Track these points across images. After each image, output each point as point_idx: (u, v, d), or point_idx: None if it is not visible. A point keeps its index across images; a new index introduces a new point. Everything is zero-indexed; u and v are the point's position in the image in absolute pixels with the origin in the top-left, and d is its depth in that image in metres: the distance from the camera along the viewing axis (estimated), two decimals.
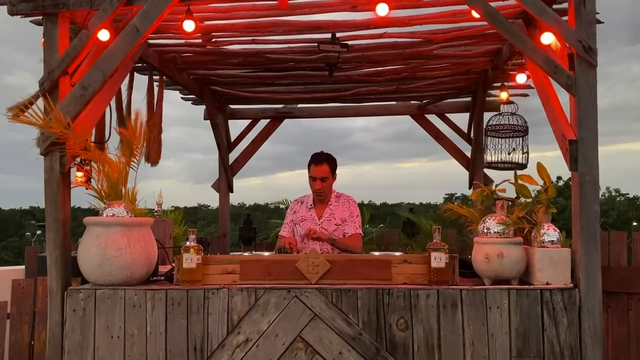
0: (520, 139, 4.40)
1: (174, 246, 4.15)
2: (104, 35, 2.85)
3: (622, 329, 3.97)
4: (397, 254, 2.95)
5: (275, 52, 4.21)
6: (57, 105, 2.73)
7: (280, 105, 5.85)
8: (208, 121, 5.59)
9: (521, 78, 4.05)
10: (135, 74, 4.12)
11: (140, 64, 4.06)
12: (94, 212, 2.84)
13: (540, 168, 2.70)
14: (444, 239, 2.75)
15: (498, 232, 2.68)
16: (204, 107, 5.61)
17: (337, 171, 3.92)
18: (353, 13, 3.44)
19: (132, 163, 2.84)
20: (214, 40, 3.98)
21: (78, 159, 2.91)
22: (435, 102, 5.58)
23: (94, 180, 2.87)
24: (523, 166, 4.46)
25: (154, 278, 2.91)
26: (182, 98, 5.53)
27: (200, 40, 3.99)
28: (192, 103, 5.72)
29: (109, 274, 2.66)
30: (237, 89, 5.28)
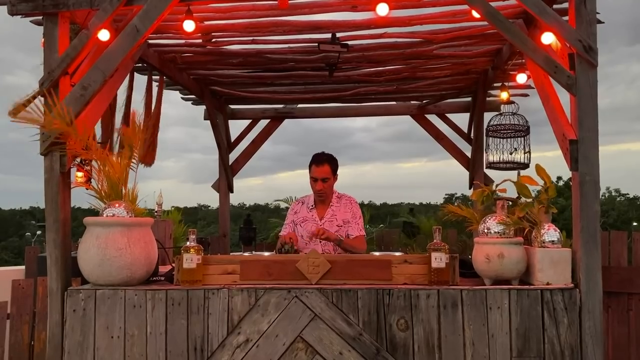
0: (522, 138, 4.40)
1: (174, 246, 4.15)
2: (104, 35, 2.85)
3: (622, 329, 3.97)
4: (398, 254, 2.94)
5: (276, 52, 4.21)
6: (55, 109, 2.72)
7: (281, 106, 5.85)
8: (208, 121, 5.59)
9: (521, 78, 4.06)
10: (135, 74, 4.12)
11: (140, 64, 4.06)
12: (94, 212, 2.84)
13: (539, 169, 2.70)
14: (444, 239, 2.75)
15: (498, 232, 2.68)
16: (204, 107, 5.61)
17: (338, 171, 3.92)
18: (353, 13, 3.44)
19: (131, 163, 2.84)
20: (214, 40, 3.98)
21: (78, 159, 2.91)
22: (435, 102, 5.58)
23: (94, 180, 2.87)
24: (525, 166, 4.47)
25: (154, 278, 2.91)
26: (182, 98, 5.54)
27: (200, 40, 3.99)
28: (192, 103, 5.72)
29: (109, 274, 2.66)
30: (237, 89, 5.28)
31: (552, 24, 2.65)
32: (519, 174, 2.81)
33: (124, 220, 2.70)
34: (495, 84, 4.88)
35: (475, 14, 2.91)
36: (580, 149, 2.61)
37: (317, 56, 4.14)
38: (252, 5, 3.40)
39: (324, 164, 3.75)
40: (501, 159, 4.54)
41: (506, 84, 4.59)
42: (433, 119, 5.76)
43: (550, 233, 2.66)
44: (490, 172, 5.15)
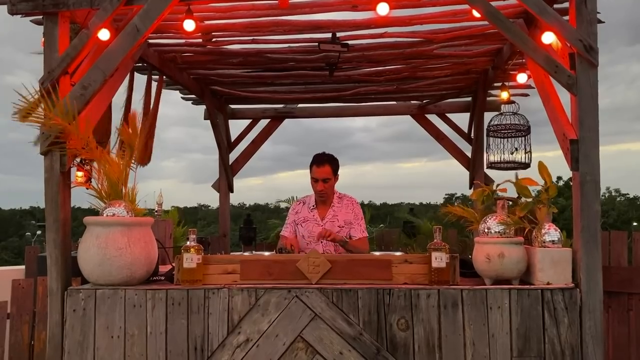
0: (522, 138, 4.40)
1: (174, 246, 4.15)
2: (104, 34, 2.85)
3: (622, 329, 3.97)
4: (398, 254, 2.94)
5: (276, 51, 4.20)
6: (58, 104, 2.72)
7: (281, 105, 5.85)
8: (208, 121, 5.59)
9: (522, 78, 4.05)
10: (135, 74, 4.12)
11: (140, 64, 4.06)
12: (94, 212, 2.84)
13: (542, 167, 2.69)
14: (444, 239, 2.74)
15: (499, 232, 2.68)
16: (204, 107, 5.61)
17: (338, 171, 3.91)
18: (353, 13, 3.44)
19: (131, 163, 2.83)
20: (214, 40, 3.97)
21: (78, 159, 2.90)
22: (435, 102, 5.58)
23: (94, 180, 2.86)
24: (526, 165, 4.47)
25: (154, 278, 2.91)
26: (182, 98, 5.53)
27: (200, 40, 3.98)
28: (192, 103, 5.72)
29: (109, 274, 2.66)
30: (237, 89, 5.28)
31: (552, 24, 2.65)
32: (517, 174, 2.79)
33: (124, 219, 2.70)
34: (495, 84, 4.87)
35: (476, 14, 2.91)
36: (580, 148, 2.61)
37: (318, 56, 4.13)
38: (252, 4, 3.40)
39: (324, 165, 3.75)
40: (502, 159, 4.54)
41: (506, 83, 4.59)
42: (433, 118, 5.76)
43: (551, 233, 2.66)
44: (490, 172, 5.15)
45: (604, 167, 2.63)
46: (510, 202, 2.89)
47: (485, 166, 4.92)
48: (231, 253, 3.95)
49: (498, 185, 2.88)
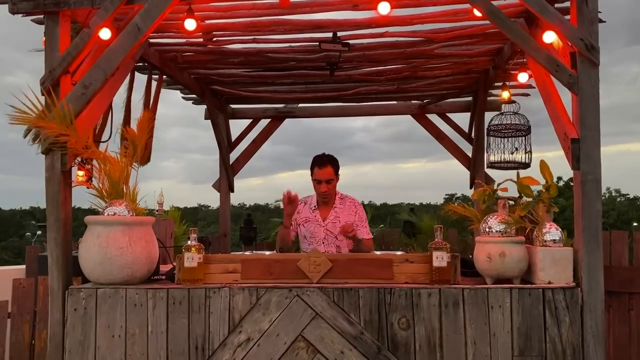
0: (523, 138, 4.40)
1: (175, 245, 4.15)
2: (105, 33, 2.85)
3: (623, 328, 3.97)
4: (399, 253, 2.94)
5: (276, 51, 4.20)
6: (55, 109, 2.72)
7: (281, 105, 5.84)
8: (208, 121, 5.58)
9: (523, 77, 4.05)
10: (136, 73, 4.12)
11: (141, 63, 4.06)
12: (94, 212, 2.84)
13: (543, 166, 2.70)
14: (445, 239, 2.74)
15: (500, 231, 2.67)
16: (204, 106, 5.61)
17: (339, 171, 3.92)
18: (354, 12, 3.44)
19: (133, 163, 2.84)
20: (215, 39, 3.97)
21: (79, 158, 2.90)
22: (436, 102, 5.57)
23: (95, 179, 2.86)
24: (526, 165, 4.47)
25: (155, 277, 2.91)
26: (182, 97, 5.53)
27: (201, 40, 3.98)
28: (192, 103, 5.72)
29: (110, 273, 2.65)
30: (238, 89, 5.27)
31: (553, 23, 2.65)
32: (518, 173, 2.80)
33: (125, 219, 2.70)
34: (496, 84, 4.87)
35: (477, 13, 2.91)
36: (582, 147, 2.61)
37: (318, 55, 4.13)
38: (253, 4, 3.40)
39: (326, 166, 3.76)
40: (502, 159, 4.53)
41: (507, 83, 4.58)
42: (434, 118, 5.75)
43: (552, 232, 2.66)
44: (491, 172, 5.14)
45: (604, 168, 2.63)
46: (512, 202, 2.89)
47: (485, 166, 4.92)
48: (231, 253, 3.95)
49: (499, 184, 2.89)
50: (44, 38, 2.86)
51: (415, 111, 5.73)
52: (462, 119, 5.66)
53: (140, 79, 4.22)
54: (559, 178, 21.88)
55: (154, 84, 4.27)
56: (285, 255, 3.01)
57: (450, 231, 5.45)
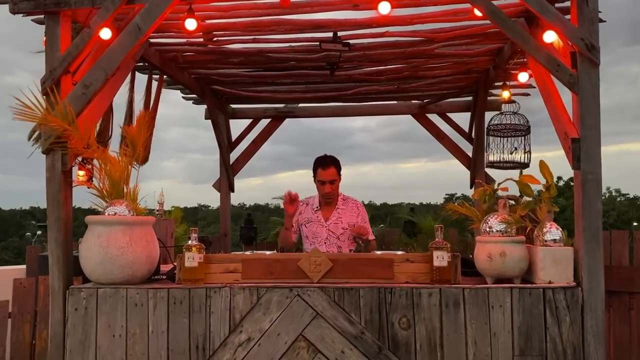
0: (522, 138, 4.40)
1: (175, 245, 4.15)
2: (105, 33, 2.85)
3: (623, 328, 3.97)
4: (399, 253, 2.94)
5: (277, 51, 4.20)
6: (57, 107, 2.72)
7: (281, 105, 5.84)
8: (208, 121, 5.59)
9: (523, 77, 4.05)
10: (137, 73, 4.12)
11: (141, 63, 4.06)
12: (94, 212, 2.84)
13: (543, 165, 2.69)
14: (445, 239, 2.74)
15: (500, 231, 2.67)
16: (204, 106, 5.61)
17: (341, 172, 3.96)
18: (355, 12, 3.44)
19: (133, 162, 2.84)
20: (215, 39, 3.97)
21: (79, 158, 2.90)
22: (436, 102, 5.57)
23: (95, 179, 2.86)
24: (525, 165, 4.47)
25: (156, 277, 2.91)
26: (183, 97, 5.53)
27: (201, 39, 3.98)
28: (193, 102, 5.72)
29: (111, 273, 2.66)
30: (238, 89, 5.27)
31: (554, 22, 2.65)
32: (521, 172, 2.80)
33: (125, 218, 2.70)
34: (496, 83, 4.87)
35: (477, 12, 2.91)
36: (582, 147, 2.61)
37: (319, 55, 4.13)
38: (253, 4, 3.40)
39: (330, 167, 3.80)
40: (501, 159, 4.53)
41: (507, 83, 4.58)
42: (434, 118, 5.75)
43: (553, 231, 2.66)
44: (491, 172, 5.14)
45: (604, 168, 2.63)
46: (513, 202, 2.89)
47: (485, 165, 4.92)
48: (232, 253, 3.95)
49: (499, 184, 2.89)
50: (45, 38, 2.86)
51: (416, 111, 5.73)
52: (463, 119, 5.67)
53: (141, 78, 4.22)
54: (559, 178, 21.90)
55: (154, 84, 4.28)
56: (285, 255, 3.01)
57: (450, 231, 5.45)
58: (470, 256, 2.98)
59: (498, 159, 4.52)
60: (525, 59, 3.87)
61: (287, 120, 6.00)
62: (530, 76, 3.97)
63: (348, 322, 2.63)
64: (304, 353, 2.62)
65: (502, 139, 4.50)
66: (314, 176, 3.86)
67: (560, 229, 2.68)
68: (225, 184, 5.85)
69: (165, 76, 4.44)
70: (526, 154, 4.51)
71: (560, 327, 2.56)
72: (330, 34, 3.81)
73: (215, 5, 3.39)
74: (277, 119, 5.94)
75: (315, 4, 3.38)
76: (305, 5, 3.38)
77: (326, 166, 3.79)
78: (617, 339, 3.98)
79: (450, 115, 5.73)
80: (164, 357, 2.67)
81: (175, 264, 2.85)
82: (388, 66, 4.62)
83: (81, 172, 2.99)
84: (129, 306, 2.68)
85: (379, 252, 3.11)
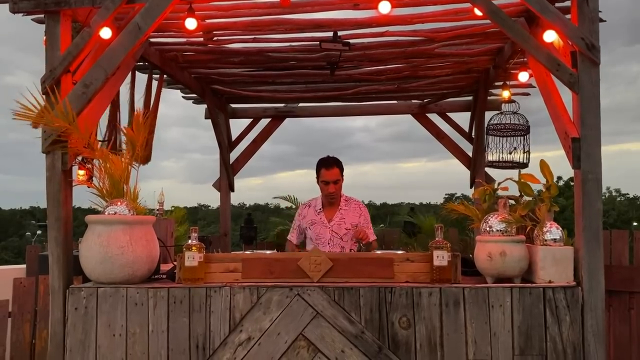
0: (522, 138, 4.40)
1: (175, 244, 4.15)
2: (105, 33, 2.85)
3: (623, 327, 3.97)
4: (399, 252, 2.94)
5: (277, 50, 4.20)
6: (58, 106, 2.72)
7: (281, 105, 5.84)
8: (208, 121, 5.59)
9: (523, 76, 4.05)
10: (137, 73, 4.12)
11: (141, 63, 4.06)
12: (94, 211, 2.84)
13: (543, 165, 2.70)
14: (445, 238, 2.74)
15: (500, 231, 2.68)
16: (204, 106, 5.61)
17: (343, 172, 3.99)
18: (355, 11, 3.44)
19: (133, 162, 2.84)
20: (215, 38, 3.97)
21: (80, 157, 2.90)
22: (436, 101, 5.58)
23: (95, 178, 2.86)
24: (524, 165, 4.46)
25: (156, 276, 2.91)
26: (183, 97, 5.53)
27: (201, 39, 3.98)
28: (193, 102, 5.72)
29: (111, 272, 2.66)
30: (238, 88, 5.27)
31: (554, 22, 2.65)
32: (520, 172, 2.80)
33: (125, 218, 2.70)
34: (496, 83, 4.87)
35: (478, 12, 2.91)
36: (582, 146, 2.61)
37: (319, 55, 4.13)
38: (253, 3, 3.40)
39: (333, 167, 3.85)
40: (500, 158, 4.53)
41: (508, 82, 4.58)
42: (434, 118, 5.75)
43: (553, 231, 2.66)
44: (491, 171, 5.14)
45: (604, 167, 2.63)
46: (512, 201, 2.89)
47: (485, 165, 4.92)
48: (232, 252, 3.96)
49: (499, 183, 2.88)
50: (45, 37, 2.86)
51: (416, 110, 5.73)
52: (463, 119, 5.67)
53: (141, 78, 4.22)
54: (559, 178, 21.91)
55: (154, 83, 4.28)
56: (285, 254, 3.02)
57: (450, 230, 5.45)
58: (471, 256, 2.98)
59: (497, 159, 4.52)
60: (525, 59, 3.87)
61: (287, 120, 6.00)
62: (531, 76, 3.97)
63: (348, 321, 2.63)
64: (304, 352, 2.62)
65: (501, 138, 4.50)
66: (317, 177, 3.90)
67: (561, 229, 2.68)
68: (225, 184, 5.85)
69: (165, 76, 4.44)
70: (525, 154, 4.51)
71: (560, 327, 2.56)
72: (331, 34, 3.81)
73: (215, 5, 3.39)
74: (277, 118, 5.95)
75: (316, 4, 3.38)
76: (306, 5, 3.38)
77: (330, 167, 3.85)
78: (617, 338, 3.98)
79: (450, 115, 5.73)
80: (164, 357, 2.67)
81: (175, 263, 2.85)
82: (388, 66, 4.62)
83: (81, 172, 2.99)
84: (129, 305, 2.68)
85: (379, 252, 3.11)
